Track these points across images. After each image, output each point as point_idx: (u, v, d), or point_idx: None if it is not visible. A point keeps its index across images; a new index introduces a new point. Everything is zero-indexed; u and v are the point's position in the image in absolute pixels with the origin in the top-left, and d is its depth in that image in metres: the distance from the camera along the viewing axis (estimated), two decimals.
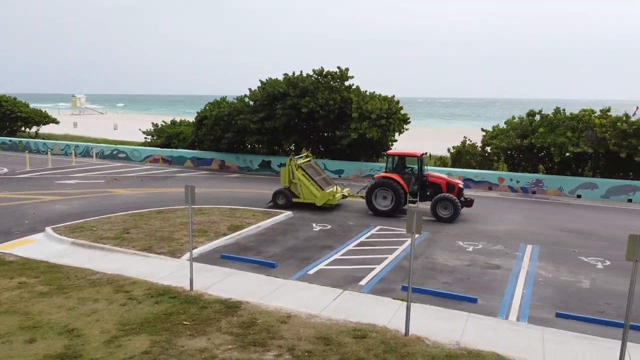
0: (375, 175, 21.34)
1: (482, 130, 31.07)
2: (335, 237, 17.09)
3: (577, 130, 25.80)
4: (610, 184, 25.06)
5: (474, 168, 29.68)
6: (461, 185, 20.55)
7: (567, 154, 26.17)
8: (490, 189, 27.20)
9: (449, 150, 31.69)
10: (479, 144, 30.68)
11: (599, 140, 25.01)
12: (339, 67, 31.40)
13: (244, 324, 10.24)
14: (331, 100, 29.80)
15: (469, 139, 31.34)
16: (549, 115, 27.72)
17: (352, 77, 31.41)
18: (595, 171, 27.22)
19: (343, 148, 30.44)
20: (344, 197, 21.96)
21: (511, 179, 27.05)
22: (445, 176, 21.47)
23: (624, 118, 25.51)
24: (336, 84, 31.24)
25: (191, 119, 38.93)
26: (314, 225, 18.69)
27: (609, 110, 26.66)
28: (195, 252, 14.53)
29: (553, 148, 25.62)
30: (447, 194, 19.74)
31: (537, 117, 28.08)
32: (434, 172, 22.14)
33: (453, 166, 30.44)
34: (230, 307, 11.03)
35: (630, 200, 24.47)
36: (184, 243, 15.54)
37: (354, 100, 29.74)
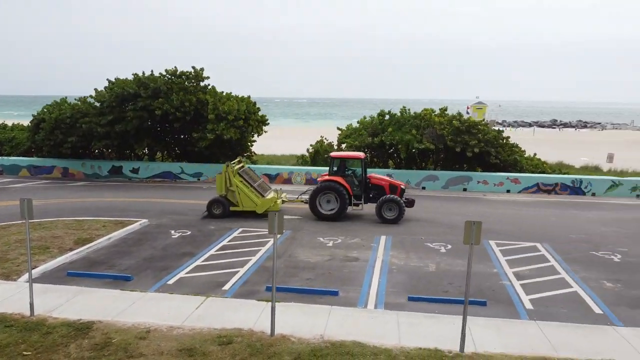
0: (319, 179, 20.73)
1: (338, 129, 32.48)
2: (196, 243, 16.54)
3: (420, 128, 28.22)
4: (449, 176, 27.87)
5: None
6: (403, 187, 20.64)
7: (413, 150, 28.51)
8: None
9: (307, 149, 32.58)
10: (335, 143, 32.02)
11: (439, 137, 27.67)
12: (193, 67, 30.48)
13: (97, 345, 9.41)
14: (187, 102, 28.82)
15: (325, 138, 32.53)
16: (396, 114, 29.93)
17: (208, 77, 30.74)
18: (437, 165, 30.05)
19: (201, 150, 29.64)
20: (283, 202, 21.28)
21: None
22: (388, 177, 21.62)
23: (458, 117, 28.54)
24: (191, 84, 30.29)
25: (26, 122, 34.83)
26: (173, 232, 17.89)
27: (446, 109, 29.62)
28: (36, 272, 13.02)
29: (400, 145, 27.72)
30: (392, 196, 19.74)
31: (387, 117, 30.16)
32: (376, 173, 22.18)
33: (313, 165, 31.35)
34: (80, 329, 10.05)
35: (465, 189, 27.45)
36: (21, 263, 13.82)
37: (210, 101, 29.11)
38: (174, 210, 21.37)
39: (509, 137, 29.26)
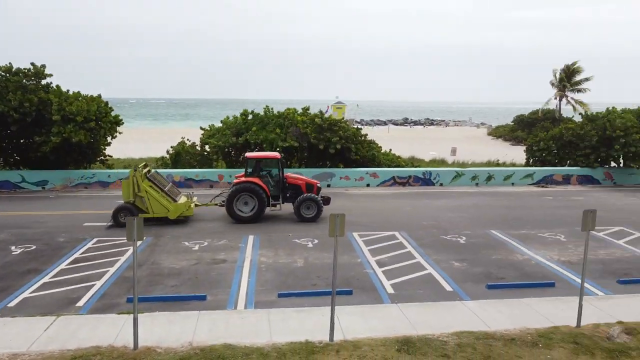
0: (235, 181, 19.81)
1: (201, 129, 31.56)
2: (42, 258, 14.86)
3: (284, 127, 28.57)
4: (314, 173, 28.58)
5: (195, 167, 29.94)
6: (319, 185, 20.60)
7: (278, 149, 28.75)
8: (211, 186, 27.84)
9: (168, 151, 31.17)
10: (198, 144, 31.07)
11: (302, 135, 28.27)
12: (33, 64, 27.38)
13: None
14: (26, 102, 25.79)
15: (187, 139, 31.41)
16: (259, 114, 29.94)
17: (51, 75, 27.82)
18: (302, 162, 30.68)
19: (45, 155, 26.74)
20: (196, 206, 19.98)
21: (230, 175, 28.22)
22: (304, 177, 21.22)
23: (320, 115, 29.43)
24: (31, 82, 27.18)
25: None
26: (13, 248, 15.89)
27: (308, 108, 30.37)
28: None
29: (265, 144, 27.79)
30: (310, 194, 19.68)
31: (250, 116, 30.02)
32: (291, 173, 21.73)
33: (174, 167, 30.07)
34: None
35: (329, 185, 28.41)
36: None
37: (54, 101, 26.37)
38: (15, 223, 19.00)
39: (366, 135, 30.92)
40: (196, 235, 17.53)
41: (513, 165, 35.86)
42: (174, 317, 10.77)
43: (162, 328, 10.21)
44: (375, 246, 16.30)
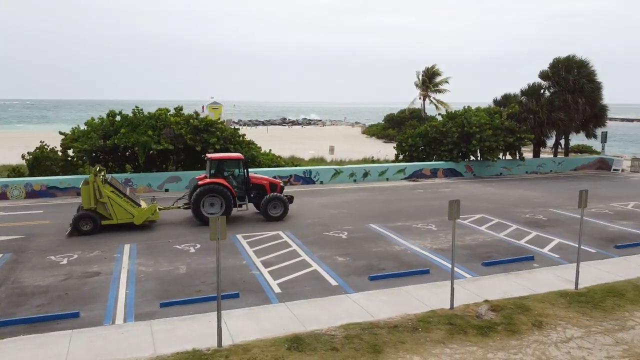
0: (200, 182, 19.25)
1: (61, 133, 28.85)
2: None
3: (157, 129, 27.19)
4: (192, 175, 27.59)
5: (58, 174, 27.34)
6: (282, 184, 20.96)
7: (151, 152, 27.32)
8: (78, 194, 25.64)
9: (24, 157, 28.05)
10: (59, 148, 28.39)
11: (177, 137, 27.15)
12: None
13: None
14: None
15: (46, 144, 28.55)
16: (129, 115, 28.16)
17: None
18: (179, 165, 29.49)
19: None
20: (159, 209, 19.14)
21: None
22: (266, 177, 21.30)
23: (195, 115, 28.50)
24: None
25: None
26: None
27: (181, 109, 29.24)
28: None
29: (137, 147, 26.23)
30: (276, 194, 19.93)
31: (118, 118, 28.11)
32: (254, 173, 21.76)
33: (32, 175, 27.16)
34: None
35: None
36: None
37: None
38: None
39: (244, 135, 30.64)
40: (64, 248, 16.00)
41: (386, 161, 37.97)
42: (42, 339, 9.70)
43: (29, 353, 9.14)
44: (260, 247, 16.19)
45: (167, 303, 11.60)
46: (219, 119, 32.47)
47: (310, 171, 29.77)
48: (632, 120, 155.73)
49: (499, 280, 13.17)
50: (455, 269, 11.64)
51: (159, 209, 19.33)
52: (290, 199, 20.73)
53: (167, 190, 26.98)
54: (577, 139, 42.88)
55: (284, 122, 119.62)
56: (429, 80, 58.09)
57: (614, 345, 9.83)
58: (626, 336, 10.20)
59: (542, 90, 35.53)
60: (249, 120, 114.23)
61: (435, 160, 33.24)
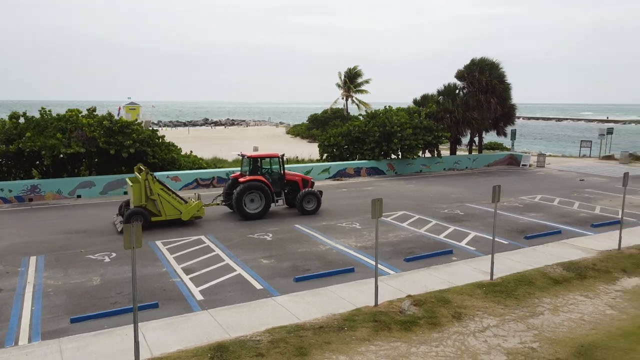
0: (241, 180, 20.08)
1: None
2: None
3: (67, 131, 25.48)
4: (107, 180, 26.18)
5: None
6: (313, 180, 22.44)
7: (61, 156, 25.56)
8: None
9: None
10: None
11: (90, 139, 25.58)
12: None
13: None
14: None
15: None
16: (34, 117, 26.16)
17: None
18: (92, 169, 27.81)
19: None
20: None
21: (2, 189, 24.17)
22: (299, 173, 22.50)
23: (109, 117, 27.00)
24: None
25: None
26: None
27: (94, 109, 27.59)
28: None
29: (44, 151, 24.42)
30: (310, 189, 21.17)
31: (22, 120, 26.03)
32: (288, 170, 22.37)
33: None
34: None
35: (125, 193, 26.31)
36: None
37: None
38: None
39: (164, 137, 29.49)
40: None
41: (311, 161, 38.09)
42: None
43: None
44: (181, 253, 15.56)
45: (78, 318, 10.80)
46: (136, 120, 30.95)
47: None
48: (537, 119, 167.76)
49: (420, 275, 13.50)
50: (379, 266, 11.79)
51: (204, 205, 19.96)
52: (321, 193, 21.75)
53: (79, 196, 25.34)
54: (490, 136, 45.36)
55: (206, 122, 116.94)
56: (351, 81, 59.17)
57: (525, 331, 10.36)
58: (536, 322, 10.79)
59: (457, 91, 37.22)
60: (170, 121, 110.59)
61: (358, 160, 33.79)
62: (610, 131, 44.25)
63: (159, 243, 16.54)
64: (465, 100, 36.20)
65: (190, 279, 13.26)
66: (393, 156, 34.51)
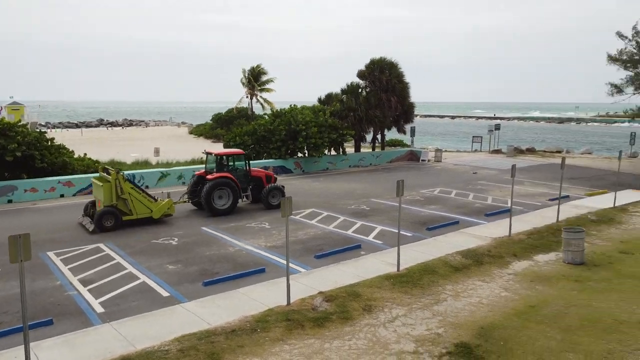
0: (208, 177, 20.58)
1: None
2: None
3: None
4: None
5: None
6: (275, 176, 23.50)
7: None
8: None
9: None
10: None
11: None
12: None
13: None
14: None
15: None
16: None
17: None
18: None
19: None
20: None
21: None
22: (262, 169, 23.52)
23: None
24: None
25: None
26: None
27: None
28: None
29: None
30: (274, 185, 22.06)
31: None
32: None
33: None
34: None
35: (10, 201, 24.00)
36: None
37: None
38: None
39: (53, 139, 27.29)
40: None
41: None
42: None
43: None
44: (77, 263, 14.45)
45: None
46: (20, 121, 28.30)
47: (133, 175, 27.68)
48: (434, 117, 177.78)
49: (330, 271, 13.66)
50: (290, 264, 11.74)
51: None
52: (283, 188, 22.48)
53: None
54: (392, 133, 47.21)
55: (102, 123, 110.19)
56: (255, 79, 58.61)
57: (431, 318, 10.85)
58: (440, 308, 11.34)
59: (360, 89, 38.24)
60: (60, 123, 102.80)
61: (265, 159, 33.57)
62: (497, 127, 47.94)
63: (51, 254, 15.24)
64: (368, 98, 37.34)
65: (89, 290, 12.35)
66: (300, 155, 34.73)
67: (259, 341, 9.66)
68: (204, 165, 22.96)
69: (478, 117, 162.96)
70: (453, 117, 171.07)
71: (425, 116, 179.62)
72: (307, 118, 33.38)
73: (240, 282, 12.95)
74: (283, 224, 11.54)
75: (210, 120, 74.82)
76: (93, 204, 19.29)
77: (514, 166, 17.74)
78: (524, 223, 18.82)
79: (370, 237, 17.16)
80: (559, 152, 49.43)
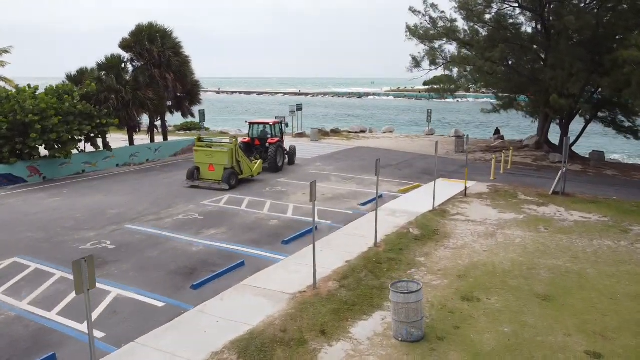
0: (270, 141, 25.40)
1: None
2: None
3: None
4: None
5: None
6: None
7: None
8: None
9: None
10: None
11: None
12: None
13: None
14: None
15: None
16: None
17: None
18: None
19: None
20: None
21: None
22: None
23: None
24: None
25: None
26: None
27: None
28: None
29: None
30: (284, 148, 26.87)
31: None
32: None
33: None
34: None
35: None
36: None
37: None
38: None
39: None
40: None
41: None
42: None
43: None
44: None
45: None
46: None
47: None
48: (240, 93, 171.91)
49: None
50: None
51: None
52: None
53: None
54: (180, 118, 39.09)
55: None
56: None
57: None
58: None
59: (123, 65, 29.22)
60: None
61: None
62: (299, 107, 43.35)
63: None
64: (135, 76, 28.75)
65: None
66: (38, 156, 24.87)
67: None
68: None
69: (285, 93, 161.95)
70: (259, 94, 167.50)
71: (231, 92, 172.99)
72: (41, 104, 23.63)
73: None
74: None
75: None
76: (197, 168, 22.15)
77: (313, 183, 11.93)
78: (333, 253, 13.41)
79: (80, 327, 9.72)
80: (363, 131, 47.34)
